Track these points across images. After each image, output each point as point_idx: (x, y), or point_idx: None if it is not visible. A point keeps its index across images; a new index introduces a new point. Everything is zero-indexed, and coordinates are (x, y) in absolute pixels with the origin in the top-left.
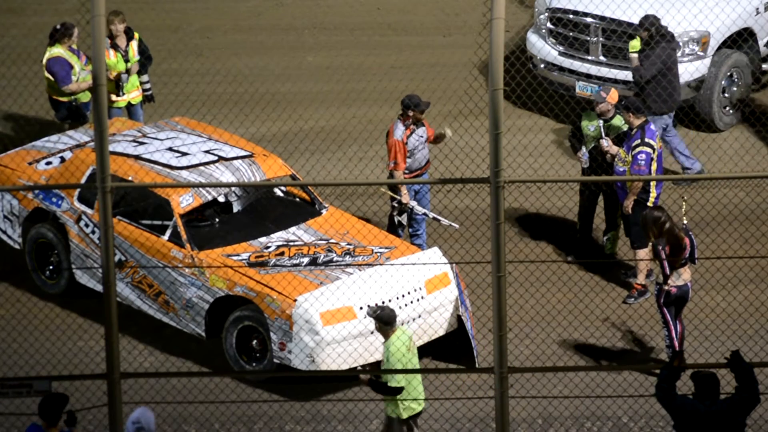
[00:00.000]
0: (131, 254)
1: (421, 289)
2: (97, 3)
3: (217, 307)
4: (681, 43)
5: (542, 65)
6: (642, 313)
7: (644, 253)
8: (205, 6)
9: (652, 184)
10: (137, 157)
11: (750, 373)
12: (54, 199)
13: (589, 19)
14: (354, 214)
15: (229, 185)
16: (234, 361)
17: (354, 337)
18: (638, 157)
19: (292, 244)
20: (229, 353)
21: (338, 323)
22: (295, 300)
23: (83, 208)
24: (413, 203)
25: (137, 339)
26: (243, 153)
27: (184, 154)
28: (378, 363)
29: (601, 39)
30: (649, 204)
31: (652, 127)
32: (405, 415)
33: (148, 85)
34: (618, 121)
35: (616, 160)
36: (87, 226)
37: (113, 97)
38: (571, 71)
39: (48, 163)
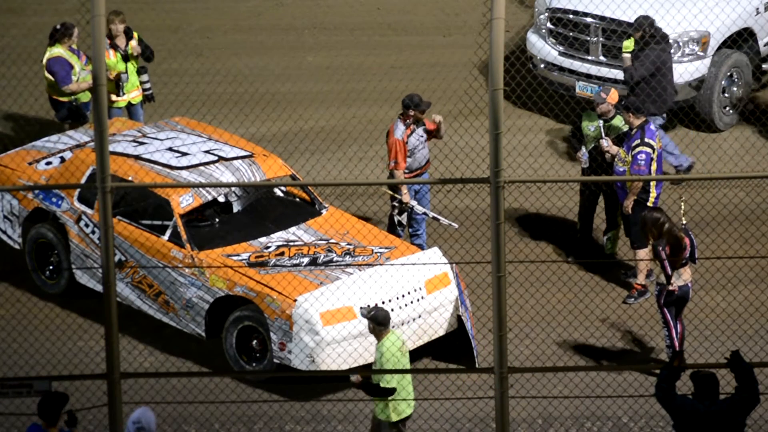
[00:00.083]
0: (131, 254)
1: (421, 289)
2: (97, 3)
3: (217, 307)
4: (681, 44)
5: (542, 65)
6: (642, 313)
7: (644, 253)
8: (205, 6)
9: (652, 184)
10: (137, 157)
11: (750, 373)
12: (54, 199)
13: (589, 19)
14: (354, 214)
15: (229, 185)
16: (234, 361)
17: (354, 337)
18: (638, 157)
19: (292, 244)
20: (229, 353)
21: (338, 323)
22: (295, 300)
23: (83, 208)
24: (413, 203)
25: (137, 339)
26: (243, 153)
27: (184, 154)
28: (370, 365)
29: (601, 39)
30: (649, 204)
31: (652, 127)
32: (395, 418)
33: (148, 85)
34: (618, 121)
35: (616, 160)
36: (87, 226)
37: (113, 97)
38: (571, 71)
39: (48, 163)
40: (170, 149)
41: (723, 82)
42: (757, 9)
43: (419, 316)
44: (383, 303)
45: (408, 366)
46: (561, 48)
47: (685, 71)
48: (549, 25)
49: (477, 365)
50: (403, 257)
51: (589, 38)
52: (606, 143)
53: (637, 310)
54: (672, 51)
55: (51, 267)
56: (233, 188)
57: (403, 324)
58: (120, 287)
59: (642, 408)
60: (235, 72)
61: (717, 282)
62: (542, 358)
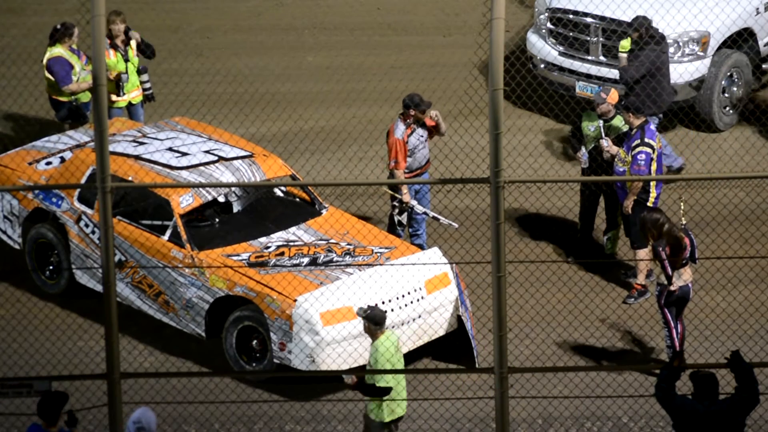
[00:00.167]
0: (131, 254)
1: (421, 289)
2: (97, 3)
3: (217, 307)
4: (681, 44)
5: (542, 65)
6: (642, 313)
7: (644, 253)
8: (205, 6)
9: (652, 184)
10: (137, 157)
11: (750, 373)
12: (54, 199)
13: (589, 19)
14: (354, 214)
15: (229, 185)
16: (234, 361)
17: (354, 337)
18: (638, 157)
19: (292, 244)
20: (229, 353)
21: (338, 323)
22: (295, 300)
23: (83, 208)
24: (414, 202)
25: (137, 339)
26: (243, 153)
27: (184, 154)
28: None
29: (601, 39)
30: (649, 204)
31: (652, 127)
32: (388, 419)
33: (148, 85)
34: (618, 121)
35: (616, 160)
36: (87, 226)
37: (113, 97)
38: (571, 71)
39: (48, 163)
40: (170, 149)
41: (723, 82)
42: (757, 9)
43: (419, 316)
44: (383, 303)
45: (403, 364)
46: (561, 48)
47: (685, 71)
48: (549, 25)
49: (477, 365)
50: (403, 257)
51: (589, 38)
52: (606, 143)
53: (637, 310)
54: (670, 52)
55: (51, 267)
56: (233, 188)
57: (403, 324)
58: (120, 287)
59: (642, 408)
60: (235, 72)
61: (717, 282)
62: (542, 358)
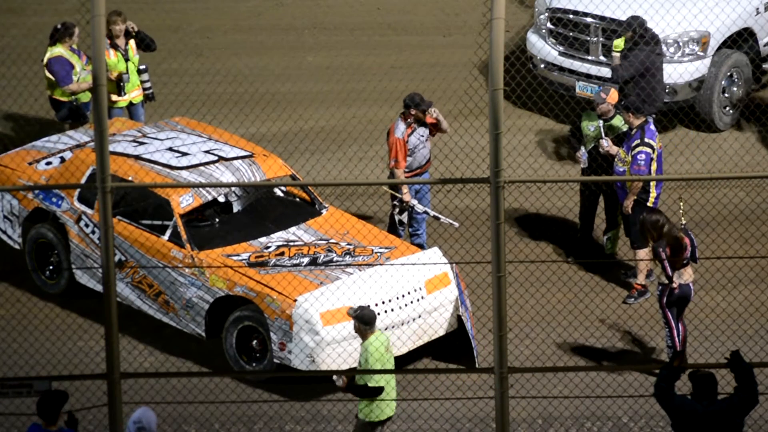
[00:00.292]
0: (131, 254)
1: (421, 289)
2: (97, 3)
3: (217, 307)
4: (681, 44)
5: (542, 65)
6: (642, 313)
7: (644, 253)
8: (205, 6)
9: (652, 184)
10: (137, 157)
11: (750, 373)
12: (54, 199)
13: (589, 19)
14: (354, 214)
15: (229, 185)
16: (234, 361)
17: (354, 337)
18: (638, 157)
19: (292, 244)
20: (229, 353)
21: (338, 323)
22: (295, 300)
23: (83, 208)
24: (414, 202)
25: (137, 339)
26: (243, 153)
27: (184, 154)
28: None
29: (601, 39)
30: (649, 204)
31: (652, 127)
32: (377, 419)
33: (148, 84)
34: (618, 121)
35: (616, 160)
36: (87, 226)
37: (114, 97)
38: (571, 71)
39: (48, 163)
40: (170, 149)
41: (723, 82)
42: (757, 9)
43: (419, 316)
44: (383, 303)
45: (393, 365)
46: (561, 48)
47: (685, 71)
48: (549, 25)
49: (477, 365)
50: (403, 257)
51: (589, 38)
52: (606, 143)
53: (637, 310)
54: (663, 52)
55: (51, 267)
56: (233, 188)
57: (403, 324)
58: (120, 287)
59: (642, 408)
60: (235, 72)
61: (717, 282)
62: (542, 358)
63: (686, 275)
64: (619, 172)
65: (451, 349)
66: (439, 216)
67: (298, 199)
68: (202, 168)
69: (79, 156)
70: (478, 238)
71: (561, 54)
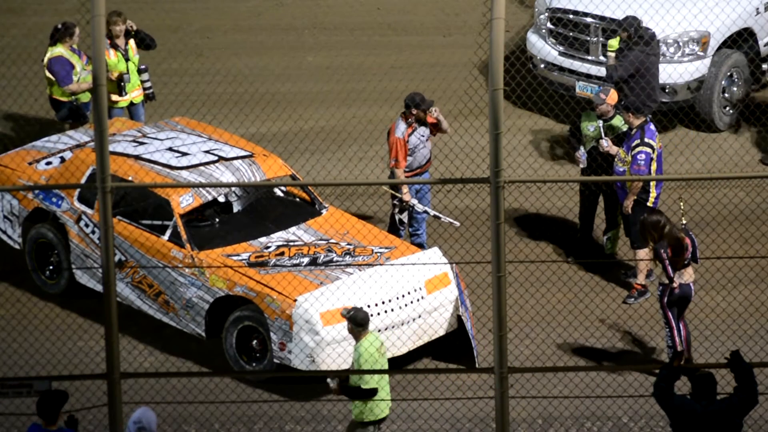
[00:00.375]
0: (131, 254)
1: (421, 289)
2: (97, 3)
3: (217, 307)
4: (681, 44)
5: (542, 65)
6: (642, 313)
7: (644, 253)
8: (205, 6)
9: (652, 184)
10: (137, 157)
11: (750, 373)
12: (54, 199)
13: (589, 19)
14: (354, 214)
15: (229, 185)
16: (234, 361)
17: None
18: (638, 157)
19: (292, 244)
20: (229, 353)
21: (338, 323)
22: (295, 300)
23: (83, 208)
24: (414, 201)
25: (137, 339)
26: (243, 153)
27: (184, 154)
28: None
29: (601, 39)
30: (649, 204)
31: (652, 127)
32: (371, 419)
33: (148, 84)
34: (618, 121)
35: (616, 160)
36: (87, 226)
37: (114, 97)
38: (571, 71)
39: (48, 163)
40: (170, 149)
41: (723, 82)
42: (757, 9)
43: (419, 316)
44: (383, 303)
45: (386, 367)
46: (561, 48)
47: (685, 71)
48: (549, 25)
49: (477, 365)
50: (403, 257)
51: (589, 38)
52: (606, 143)
53: (637, 310)
54: (658, 52)
55: (51, 267)
56: (233, 188)
57: (403, 324)
58: (120, 287)
59: (642, 408)
60: (235, 72)
61: (717, 282)
62: (542, 358)
63: (687, 275)
64: (619, 172)
65: (451, 349)
66: (440, 215)
67: (298, 199)
68: (202, 168)
69: (79, 156)
70: (478, 238)
71: (561, 54)
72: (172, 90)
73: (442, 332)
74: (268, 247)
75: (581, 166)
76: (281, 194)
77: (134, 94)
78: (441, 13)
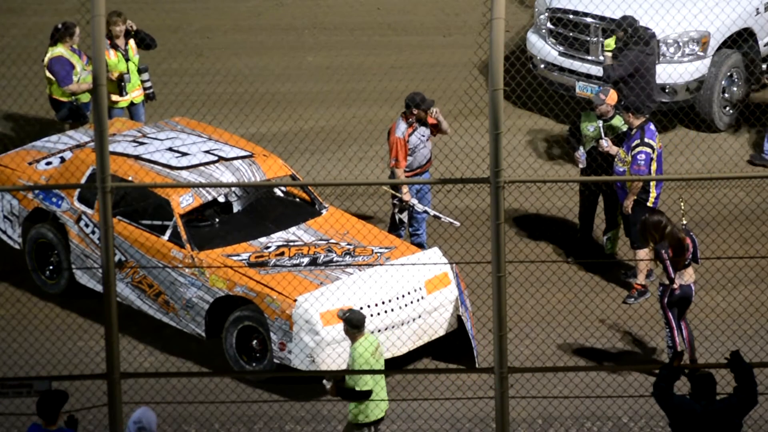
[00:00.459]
0: (131, 254)
1: (421, 289)
2: (97, 3)
3: (217, 307)
4: (681, 43)
5: (542, 65)
6: (642, 314)
7: (644, 253)
8: (205, 6)
9: (652, 184)
10: (137, 157)
11: (749, 373)
12: (54, 199)
13: (589, 19)
14: (354, 214)
15: (229, 185)
16: (234, 361)
17: None
18: (638, 157)
19: (292, 244)
20: (229, 353)
21: (338, 323)
22: (295, 300)
23: (83, 208)
24: (414, 201)
25: (137, 339)
26: (243, 153)
27: (184, 154)
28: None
29: (601, 39)
30: (649, 204)
31: (652, 127)
32: (365, 420)
33: (148, 84)
34: (617, 121)
35: (616, 160)
36: (87, 226)
37: (115, 97)
38: (571, 71)
39: (48, 163)
40: (170, 149)
41: (723, 82)
42: (757, 9)
43: (419, 316)
44: (383, 303)
45: (382, 367)
46: (561, 48)
47: (685, 71)
48: (549, 25)
49: (477, 365)
50: (403, 257)
51: (589, 38)
52: (606, 143)
53: (637, 310)
54: (655, 52)
55: (51, 267)
56: (233, 188)
57: (403, 324)
58: (120, 287)
59: (642, 408)
60: (235, 72)
61: (717, 282)
62: (542, 358)
63: (687, 276)
64: (619, 172)
65: (451, 349)
66: (440, 215)
67: (298, 199)
68: (202, 168)
69: (79, 156)
70: (478, 238)
71: (561, 54)
72: (172, 90)
73: (442, 332)
74: (268, 247)
75: (580, 166)
76: (281, 194)
77: (135, 94)
78: (441, 13)
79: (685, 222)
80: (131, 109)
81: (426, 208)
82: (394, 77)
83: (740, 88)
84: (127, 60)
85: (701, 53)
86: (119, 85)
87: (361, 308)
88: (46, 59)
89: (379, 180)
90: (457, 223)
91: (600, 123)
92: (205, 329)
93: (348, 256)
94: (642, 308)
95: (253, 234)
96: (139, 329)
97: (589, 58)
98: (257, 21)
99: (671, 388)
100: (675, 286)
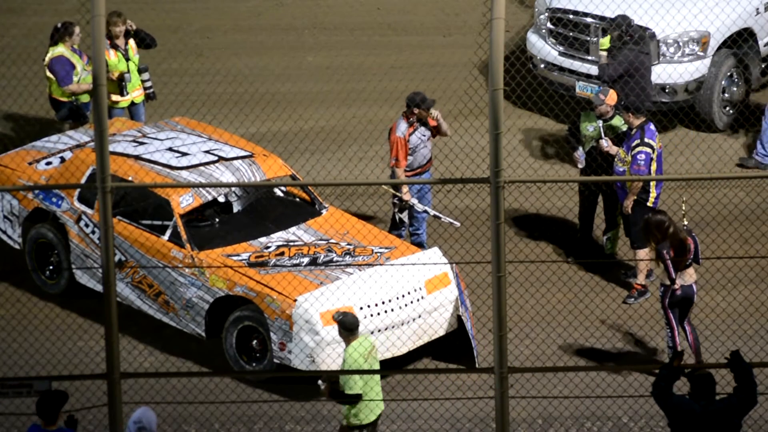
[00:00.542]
0: (131, 254)
1: (421, 289)
2: (97, 3)
3: (217, 307)
4: (681, 43)
5: (542, 65)
6: (642, 314)
7: (644, 253)
8: (205, 6)
9: (652, 184)
10: (137, 157)
11: (749, 373)
12: (54, 199)
13: (589, 19)
14: (354, 214)
15: (229, 185)
16: (234, 361)
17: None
18: (638, 157)
19: (292, 244)
20: (229, 353)
21: None
22: (295, 300)
23: (83, 208)
24: (414, 201)
25: (137, 339)
26: (243, 153)
27: (184, 154)
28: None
29: (601, 39)
30: (649, 204)
31: (652, 127)
32: (357, 423)
33: (149, 83)
34: (617, 121)
35: (616, 160)
36: (87, 226)
37: (116, 97)
38: (571, 71)
39: (48, 163)
40: (170, 149)
41: (723, 82)
42: (757, 9)
43: (419, 316)
44: (383, 303)
45: (375, 372)
46: (561, 48)
47: (685, 71)
48: (549, 25)
49: (477, 365)
50: (403, 257)
51: (589, 38)
52: (606, 143)
53: (637, 310)
54: (651, 51)
55: (51, 267)
56: (233, 188)
57: (403, 324)
58: (120, 287)
59: (642, 408)
60: (235, 72)
61: (717, 282)
62: (542, 358)
63: (688, 276)
64: (619, 172)
65: (451, 349)
66: (440, 215)
67: (298, 199)
68: (202, 168)
69: (79, 156)
70: (478, 238)
71: (561, 54)
72: (172, 90)
73: (442, 332)
74: (268, 247)
75: (579, 166)
76: (281, 194)
77: (135, 93)
78: (441, 13)
79: (686, 222)
80: (131, 109)
81: (426, 208)
82: (394, 77)
83: (740, 87)
84: (128, 60)
85: (701, 53)
86: (120, 84)
87: (361, 308)
88: (47, 59)
89: (379, 180)
90: (457, 224)
91: (600, 123)
92: (205, 329)
93: (348, 256)
94: (642, 308)
95: (253, 234)
96: (139, 329)
97: (589, 58)
98: (257, 21)
99: (671, 387)
100: (676, 286)
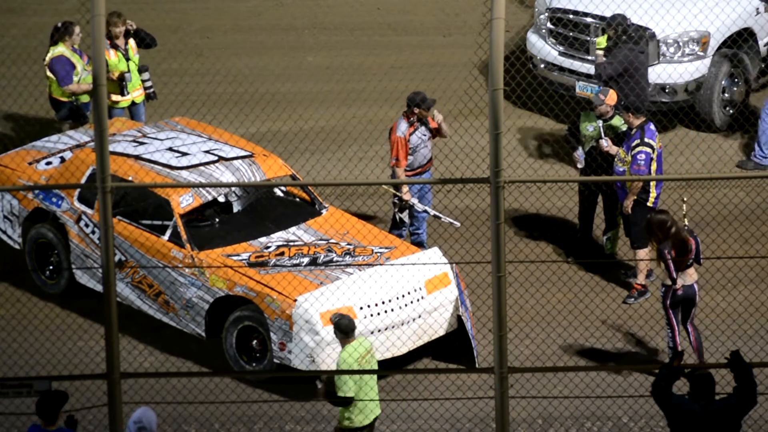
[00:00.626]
0: (131, 254)
1: (421, 289)
2: (97, 3)
3: (217, 307)
4: (681, 43)
5: (542, 65)
6: (642, 314)
7: (644, 253)
8: (205, 6)
9: (652, 183)
10: (137, 157)
11: (749, 373)
12: (54, 199)
13: (589, 19)
14: (354, 214)
15: (229, 185)
16: (234, 361)
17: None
18: (638, 157)
19: (292, 244)
20: (229, 353)
21: None
22: (295, 300)
23: (83, 208)
24: (414, 200)
25: (137, 339)
26: (243, 153)
27: (184, 154)
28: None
29: (597, 38)
30: (649, 204)
31: (652, 127)
32: (350, 426)
33: (149, 83)
34: (617, 121)
35: (616, 160)
36: (87, 226)
37: (116, 97)
38: (571, 71)
39: (48, 163)
40: (170, 149)
41: (723, 82)
42: (757, 9)
43: (419, 316)
44: (383, 303)
45: (373, 375)
46: (561, 48)
47: (685, 71)
48: (549, 25)
49: (477, 365)
50: (403, 257)
51: (589, 38)
52: (606, 143)
53: (637, 310)
54: (648, 51)
55: (51, 267)
56: (233, 188)
57: (403, 324)
58: (120, 287)
59: (642, 408)
60: (235, 72)
61: (717, 282)
62: (542, 358)
63: (689, 277)
64: (619, 172)
65: (451, 349)
66: (440, 215)
67: (298, 199)
68: (202, 168)
69: (79, 156)
70: (478, 238)
71: (561, 54)
72: (172, 90)
73: (442, 332)
74: (268, 247)
75: (579, 166)
76: (281, 194)
77: (135, 93)
78: (441, 13)
79: (686, 223)
80: (132, 109)
81: (426, 208)
82: (394, 77)
83: (740, 87)
84: (128, 59)
85: (701, 53)
86: (120, 84)
87: (361, 308)
88: (48, 59)
89: (379, 180)
90: (457, 224)
91: (600, 123)
92: (205, 329)
93: (348, 256)
94: (642, 308)
95: (253, 234)
96: (139, 329)
97: (589, 58)
98: (257, 21)
99: (670, 387)
100: (677, 286)
